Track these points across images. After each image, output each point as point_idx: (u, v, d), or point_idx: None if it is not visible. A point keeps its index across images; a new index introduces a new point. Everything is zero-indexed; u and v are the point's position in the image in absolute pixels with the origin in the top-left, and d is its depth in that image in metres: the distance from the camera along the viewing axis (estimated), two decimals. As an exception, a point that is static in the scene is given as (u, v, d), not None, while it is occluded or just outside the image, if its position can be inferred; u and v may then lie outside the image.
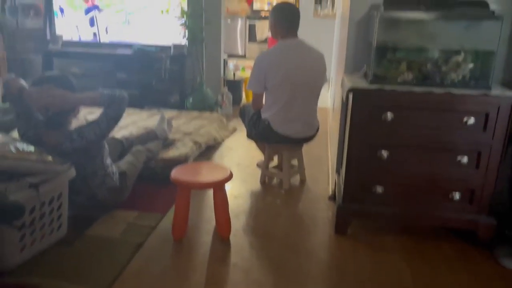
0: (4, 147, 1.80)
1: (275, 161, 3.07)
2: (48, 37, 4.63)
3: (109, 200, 2.31)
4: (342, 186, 2.18)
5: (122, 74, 4.61)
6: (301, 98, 2.58)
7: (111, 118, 2.13)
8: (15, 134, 2.84)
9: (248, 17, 8.91)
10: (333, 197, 2.58)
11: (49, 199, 1.90)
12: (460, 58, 2.01)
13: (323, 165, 3.22)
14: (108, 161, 2.31)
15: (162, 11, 4.45)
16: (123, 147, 2.80)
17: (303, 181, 2.90)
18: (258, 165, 3.11)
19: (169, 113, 3.98)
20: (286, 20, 2.58)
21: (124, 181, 2.41)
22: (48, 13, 4.61)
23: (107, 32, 4.62)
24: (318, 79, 2.65)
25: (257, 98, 2.72)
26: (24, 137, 2.11)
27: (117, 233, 2.14)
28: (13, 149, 1.81)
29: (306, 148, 2.95)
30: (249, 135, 2.93)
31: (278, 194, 2.73)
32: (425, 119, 1.98)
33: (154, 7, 4.50)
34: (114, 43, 4.60)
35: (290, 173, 2.80)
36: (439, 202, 2.08)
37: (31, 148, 1.90)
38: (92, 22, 4.61)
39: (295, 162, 2.93)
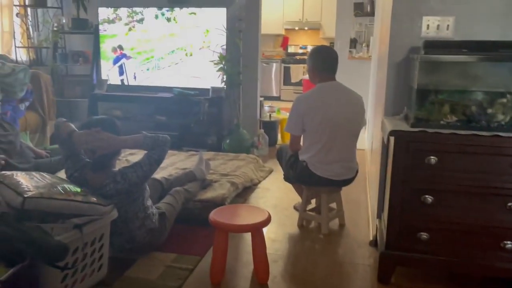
0: (52, 188, 1.86)
1: (312, 203, 3.01)
2: (95, 81, 4.86)
3: (148, 242, 2.31)
4: (385, 232, 2.10)
5: (161, 117, 4.75)
6: (340, 140, 2.56)
7: (154, 161, 2.18)
8: (60, 174, 2.94)
9: (283, 61, 9.11)
10: (374, 243, 2.48)
11: (91, 240, 1.93)
12: (507, 100, 1.94)
13: (362, 209, 3.13)
14: (149, 202, 2.33)
15: (186, 54, 4.63)
16: (162, 188, 2.83)
17: (342, 225, 2.82)
18: (295, 207, 3.06)
19: (206, 155, 4.02)
20: (324, 64, 2.60)
21: (163, 223, 2.41)
22: (95, 60, 4.87)
23: (135, 78, 4.80)
24: (357, 121, 2.63)
25: (294, 140, 2.72)
26: (71, 178, 2.17)
27: (155, 276, 2.12)
28: (61, 189, 1.86)
29: (344, 191, 2.88)
30: (286, 177, 2.90)
31: (316, 239, 2.65)
32: (471, 163, 1.90)
33: (188, 52, 4.66)
34: (155, 87, 4.77)
35: (329, 216, 2.73)
36: (490, 251, 1.96)
37: (78, 189, 1.96)
38: (121, 71, 4.82)
39: (333, 205, 2.86)
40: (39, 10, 5.04)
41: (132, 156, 3.79)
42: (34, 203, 1.72)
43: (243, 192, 3.35)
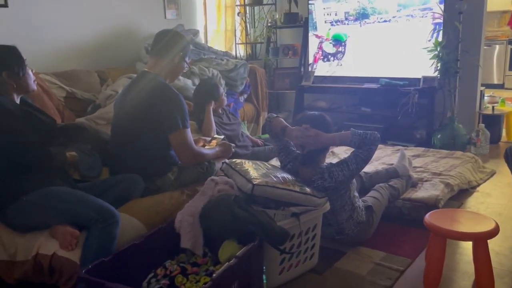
0: (274, 177, 2.09)
1: (551, 216, 2.59)
2: (302, 73, 5.18)
3: (356, 235, 2.38)
4: None
5: (366, 108, 4.75)
6: None
7: (361, 160, 2.21)
8: (272, 162, 3.27)
9: (509, 42, 7.95)
10: None
11: (306, 229, 2.10)
12: None
13: None
14: (356, 194, 2.40)
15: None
16: (362, 181, 2.86)
17: None
18: (527, 218, 2.69)
19: (414, 150, 3.87)
20: None
21: (370, 216, 2.45)
22: (303, 53, 5.18)
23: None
24: None
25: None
26: (285, 169, 2.40)
27: (364, 271, 2.19)
28: (281, 179, 2.08)
29: None
30: (517, 183, 2.58)
31: (557, 259, 2.29)
32: None
33: (401, 39, 4.51)
34: (360, 77, 4.79)
35: None
36: None
37: (294, 180, 2.15)
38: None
39: None
40: (256, 8, 5.62)
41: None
42: (261, 190, 1.97)
43: (458, 195, 3.10)
